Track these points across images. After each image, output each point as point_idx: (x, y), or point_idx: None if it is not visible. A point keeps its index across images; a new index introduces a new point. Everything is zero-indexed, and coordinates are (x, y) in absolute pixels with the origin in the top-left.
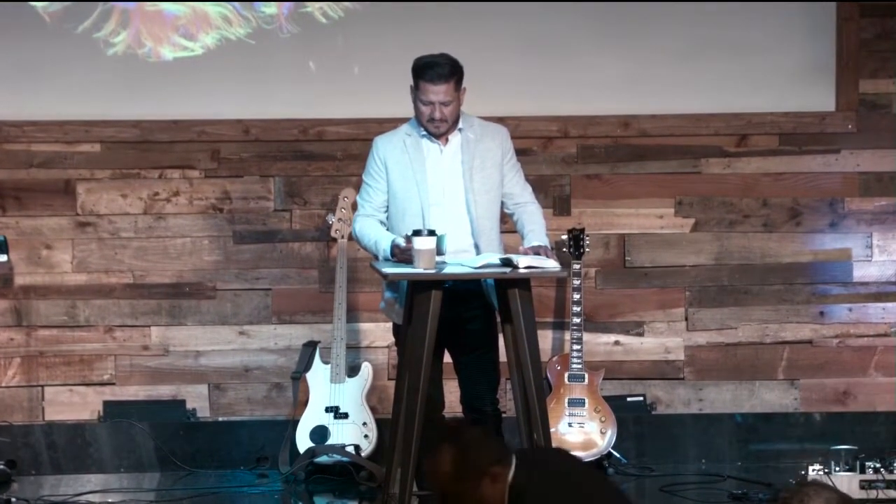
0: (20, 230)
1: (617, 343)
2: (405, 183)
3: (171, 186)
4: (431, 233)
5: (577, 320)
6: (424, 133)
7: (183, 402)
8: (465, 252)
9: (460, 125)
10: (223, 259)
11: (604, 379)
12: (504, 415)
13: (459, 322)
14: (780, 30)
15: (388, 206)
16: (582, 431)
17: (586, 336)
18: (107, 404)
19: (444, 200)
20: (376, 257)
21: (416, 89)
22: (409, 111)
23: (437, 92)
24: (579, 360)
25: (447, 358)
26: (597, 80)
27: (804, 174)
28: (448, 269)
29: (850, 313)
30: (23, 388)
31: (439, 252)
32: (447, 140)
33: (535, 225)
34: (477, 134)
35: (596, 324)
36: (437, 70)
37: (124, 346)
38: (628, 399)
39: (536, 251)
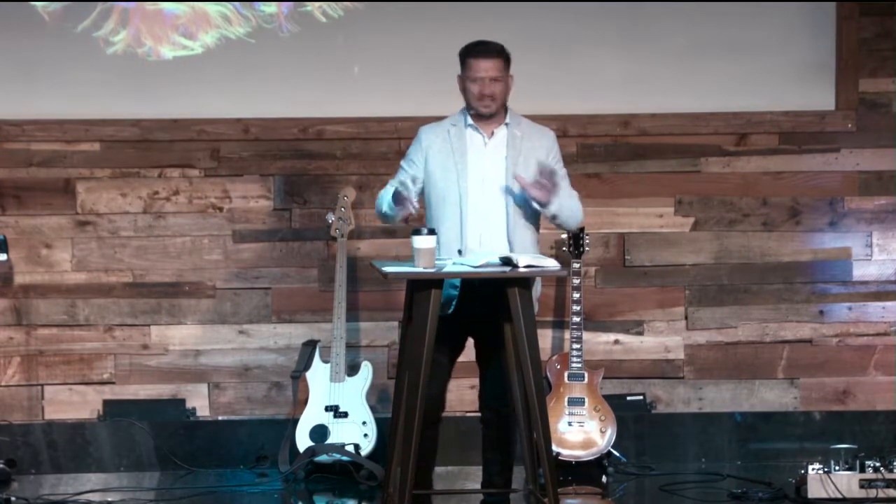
0: (20, 229)
1: (616, 342)
2: (445, 172)
3: (171, 185)
4: (431, 232)
5: (576, 319)
6: (471, 123)
7: (183, 401)
8: (499, 248)
9: (507, 120)
10: (223, 258)
11: (603, 378)
12: None
13: (493, 319)
14: (780, 29)
15: (421, 192)
16: (581, 430)
17: (586, 335)
18: (106, 403)
19: (483, 191)
20: (388, 220)
21: (464, 71)
22: (409, 110)
23: (487, 68)
24: (579, 359)
25: (465, 357)
26: (596, 78)
27: (804, 173)
28: (448, 269)
29: (849, 312)
30: (22, 386)
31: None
32: (493, 133)
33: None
34: (524, 132)
35: (595, 323)
36: (486, 46)
37: (124, 345)
38: (628, 398)
39: (543, 171)
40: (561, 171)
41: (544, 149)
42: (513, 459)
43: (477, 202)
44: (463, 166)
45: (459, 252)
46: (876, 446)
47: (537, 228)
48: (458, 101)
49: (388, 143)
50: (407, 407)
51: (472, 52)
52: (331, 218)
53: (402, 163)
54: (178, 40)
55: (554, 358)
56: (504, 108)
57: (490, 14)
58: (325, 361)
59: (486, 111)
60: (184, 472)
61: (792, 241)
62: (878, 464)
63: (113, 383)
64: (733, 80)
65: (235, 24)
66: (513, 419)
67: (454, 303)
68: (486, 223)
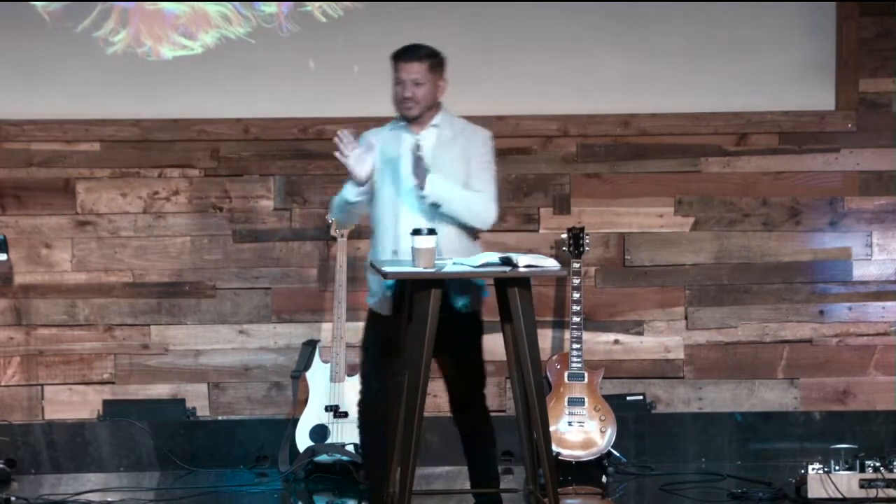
0: (20, 229)
1: (616, 342)
2: (382, 174)
3: (171, 185)
4: (431, 231)
5: (576, 319)
6: (404, 124)
7: (182, 401)
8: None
9: (437, 121)
10: (223, 258)
11: (603, 378)
12: (504, 414)
13: (442, 322)
14: (780, 29)
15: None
16: (581, 430)
17: (586, 335)
18: (106, 403)
19: (412, 191)
20: (348, 216)
21: (393, 73)
22: None
23: (410, 70)
24: (579, 359)
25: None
26: (597, 78)
27: (804, 173)
28: (448, 269)
29: (849, 312)
30: (22, 386)
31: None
32: (421, 135)
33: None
34: (455, 132)
35: (596, 323)
36: (411, 51)
37: (124, 345)
38: (628, 398)
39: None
40: (484, 173)
41: (473, 147)
42: (494, 456)
43: (409, 202)
44: (397, 167)
45: (395, 253)
46: (876, 446)
47: (471, 233)
48: (456, 101)
49: None
50: (407, 407)
51: (398, 55)
52: (331, 218)
53: None
54: (178, 40)
55: (554, 358)
56: (438, 110)
57: (490, 14)
58: (325, 361)
59: (407, 114)
60: (184, 472)
61: (792, 241)
62: (878, 464)
63: (113, 383)
64: (733, 80)
65: (235, 24)
66: (483, 417)
67: (391, 305)
68: (417, 223)
